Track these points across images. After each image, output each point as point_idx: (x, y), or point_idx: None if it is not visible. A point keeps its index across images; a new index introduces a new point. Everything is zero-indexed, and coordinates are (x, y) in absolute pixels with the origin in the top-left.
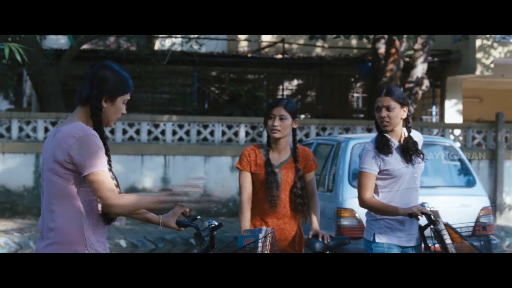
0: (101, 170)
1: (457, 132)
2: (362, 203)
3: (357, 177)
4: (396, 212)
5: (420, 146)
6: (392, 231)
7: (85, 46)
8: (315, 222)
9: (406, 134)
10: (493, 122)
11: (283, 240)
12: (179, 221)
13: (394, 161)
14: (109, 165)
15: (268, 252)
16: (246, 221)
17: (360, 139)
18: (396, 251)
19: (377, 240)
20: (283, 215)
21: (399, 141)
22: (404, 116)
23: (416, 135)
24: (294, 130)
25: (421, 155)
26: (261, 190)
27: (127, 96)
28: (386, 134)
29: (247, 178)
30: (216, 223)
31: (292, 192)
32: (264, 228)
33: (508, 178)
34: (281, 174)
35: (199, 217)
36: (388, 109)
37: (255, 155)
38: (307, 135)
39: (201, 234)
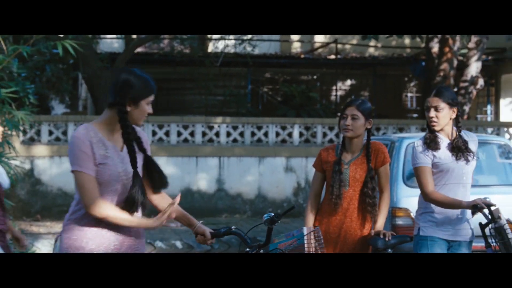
0: (78, 171)
1: None
2: (426, 197)
3: (415, 174)
4: (460, 205)
5: (474, 146)
6: (436, 225)
7: (139, 49)
8: (381, 220)
9: (456, 134)
10: None
11: (343, 236)
12: (215, 231)
13: (442, 155)
14: (135, 167)
15: (313, 251)
16: (308, 220)
17: (414, 139)
18: (441, 244)
19: (421, 233)
20: (348, 212)
21: (450, 139)
22: (453, 116)
23: (469, 135)
24: (368, 130)
25: (471, 154)
26: (327, 188)
27: (150, 98)
28: (435, 133)
29: (316, 177)
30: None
31: (362, 192)
32: (304, 228)
33: None
34: (349, 171)
35: (233, 227)
36: (437, 109)
37: (327, 154)
38: None
39: (245, 239)
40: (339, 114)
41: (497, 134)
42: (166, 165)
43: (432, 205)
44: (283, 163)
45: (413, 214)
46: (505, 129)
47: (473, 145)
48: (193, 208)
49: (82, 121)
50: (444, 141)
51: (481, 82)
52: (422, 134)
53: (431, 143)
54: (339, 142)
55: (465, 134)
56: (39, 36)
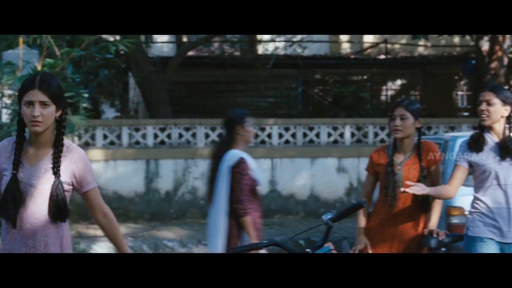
0: (97, 187)
1: None
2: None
3: None
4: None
5: None
6: (484, 225)
7: (190, 53)
8: (433, 219)
9: (507, 133)
10: None
11: (398, 234)
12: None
13: (485, 157)
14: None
15: None
16: (360, 222)
17: (467, 137)
18: (490, 245)
19: (470, 233)
20: (403, 212)
21: (498, 139)
22: (506, 114)
23: None
24: (418, 130)
25: None
26: (381, 189)
27: (25, 97)
28: (484, 133)
29: (368, 180)
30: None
31: None
32: (328, 247)
33: None
34: (402, 172)
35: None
36: (489, 103)
37: (379, 156)
38: None
39: (285, 246)
40: (389, 114)
41: None
42: None
43: (482, 205)
44: (335, 164)
45: (467, 213)
46: None
47: None
48: None
49: (136, 124)
50: (491, 140)
51: None
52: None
53: (473, 143)
54: (390, 143)
55: None
56: (91, 40)
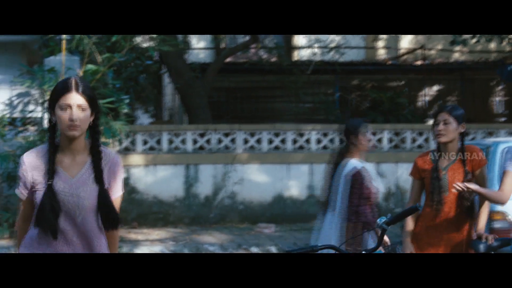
0: (16, 192)
1: None
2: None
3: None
4: None
5: None
6: None
7: (229, 59)
8: (481, 224)
9: None
10: None
11: (445, 238)
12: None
13: None
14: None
15: None
16: (408, 226)
17: (509, 143)
18: None
19: None
20: (449, 216)
21: None
22: None
23: None
24: (462, 134)
25: None
26: (427, 194)
27: (62, 101)
28: None
29: (415, 185)
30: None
31: (460, 195)
32: (379, 251)
33: None
34: (448, 176)
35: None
36: None
37: (423, 162)
38: None
39: (340, 250)
40: (427, 119)
41: None
42: (258, 172)
43: None
44: (373, 169)
45: (510, 218)
46: None
47: None
48: (285, 214)
49: (175, 130)
50: None
51: None
52: None
53: None
54: (434, 149)
55: None
56: (131, 45)
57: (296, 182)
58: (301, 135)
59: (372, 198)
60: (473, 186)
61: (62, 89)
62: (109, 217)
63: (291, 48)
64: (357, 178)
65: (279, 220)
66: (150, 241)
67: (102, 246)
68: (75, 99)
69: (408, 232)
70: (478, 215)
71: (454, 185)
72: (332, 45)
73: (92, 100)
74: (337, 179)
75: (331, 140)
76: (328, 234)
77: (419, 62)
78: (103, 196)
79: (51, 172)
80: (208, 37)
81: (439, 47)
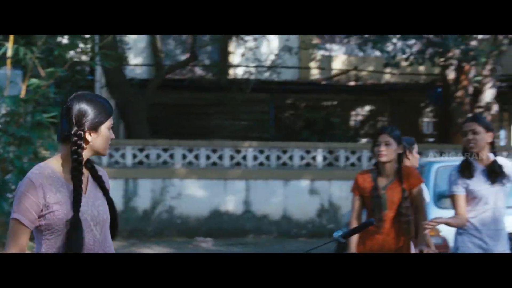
0: (13, 218)
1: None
2: (462, 222)
3: (451, 201)
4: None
5: (509, 171)
6: (473, 245)
7: (168, 76)
8: (421, 239)
9: (492, 158)
10: None
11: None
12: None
13: (477, 183)
14: (77, 210)
15: None
16: (352, 242)
17: (442, 163)
18: None
19: (461, 252)
20: (389, 232)
21: (484, 164)
22: (490, 140)
23: (503, 161)
24: (399, 155)
25: (507, 178)
26: (369, 212)
27: (110, 121)
28: (470, 159)
29: (356, 201)
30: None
31: (398, 211)
32: None
33: None
34: (387, 195)
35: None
36: (474, 132)
37: (363, 180)
38: None
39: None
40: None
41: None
42: (196, 187)
43: (471, 226)
44: (307, 186)
45: (442, 234)
46: None
47: (508, 170)
48: (222, 229)
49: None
50: (478, 167)
51: (495, 107)
52: (448, 159)
53: (465, 171)
54: (373, 168)
55: (499, 159)
56: (73, 60)
57: (233, 197)
58: (238, 151)
59: (425, 207)
60: (441, 220)
61: (110, 109)
62: (116, 228)
63: (227, 66)
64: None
65: (215, 234)
66: None
67: None
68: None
69: (353, 248)
70: (417, 231)
71: (426, 225)
72: (267, 64)
73: None
74: None
75: (267, 157)
76: None
77: (351, 83)
78: (114, 209)
79: (78, 199)
80: (145, 53)
81: (371, 68)
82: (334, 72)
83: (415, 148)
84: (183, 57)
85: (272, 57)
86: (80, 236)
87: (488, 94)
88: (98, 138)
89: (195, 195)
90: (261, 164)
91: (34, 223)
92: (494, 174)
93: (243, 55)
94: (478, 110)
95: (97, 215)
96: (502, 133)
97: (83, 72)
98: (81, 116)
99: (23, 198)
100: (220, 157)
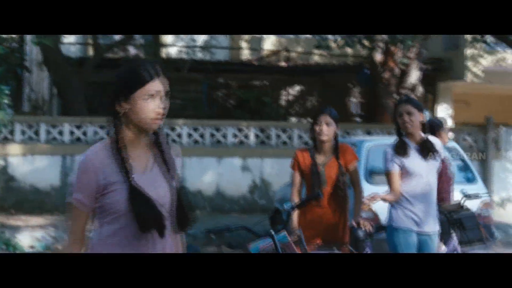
0: (70, 201)
1: (449, 134)
2: (395, 196)
3: (386, 178)
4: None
5: (440, 148)
6: (406, 217)
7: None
8: (357, 212)
9: (423, 136)
10: (481, 125)
11: (324, 226)
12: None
13: (411, 160)
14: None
15: (296, 251)
16: (294, 216)
17: (373, 141)
18: (411, 234)
19: (393, 224)
20: (328, 205)
21: (417, 143)
22: (421, 120)
23: (433, 139)
24: (336, 134)
25: (437, 154)
26: (308, 187)
27: (146, 89)
28: (404, 138)
29: (295, 177)
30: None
31: (335, 186)
32: (283, 233)
33: (497, 177)
34: (325, 171)
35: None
36: (409, 113)
37: (303, 157)
38: None
39: (253, 231)
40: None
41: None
42: None
43: (404, 200)
44: (240, 163)
45: (374, 209)
46: None
47: (438, 148)
48: None
49: (53, 121)
50: (412, 145)
51: (420, 89)
52: (378, 138)
53: (399, 149)
54: (311, 146)
55: (430, 138)
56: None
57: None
58: (173, 129)
59: (451, 184)
60: (379, 196)
61: (146, 75)
62: (184, 215)
63: (160, 45)
64: (444, 167)
65: None
66: (30, 227)
67: (171, 248)
68: (160, 87)
69: (295, 221)
70: (354, 205)
71: (366, 201)
72: (200, 44)
73: (168, 87)
74: None
75: (202, 135)
76: None
77: (282, 64)
78: (180, 191)
79: (127, 168)
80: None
81: (301, 49)
82: (265, 52)
83: (445, 128)
84: (117, 37)
85: (204, 37)
86: (145, 203)
87: (414, 76)
88: (132, 110)
89: (193, 210)
90: (195, 141)
91: (92, 205)
92: (427, 151)
93: (176, 35)
94: (403, 92)
95: (156, 197)
96: (427, 114)
97: (21, 50)
98: (115, 86)
99: (79, 180)
100: None
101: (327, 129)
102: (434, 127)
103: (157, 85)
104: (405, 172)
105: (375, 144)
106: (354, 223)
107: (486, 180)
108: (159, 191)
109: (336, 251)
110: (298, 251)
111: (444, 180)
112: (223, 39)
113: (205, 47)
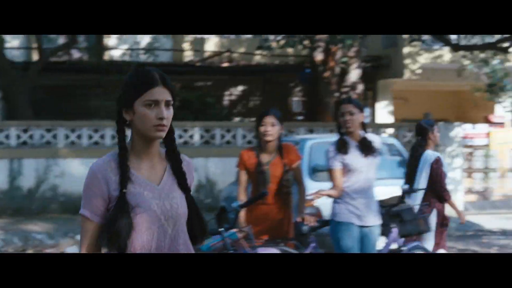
0: (81, 213)
1: (389, 130)
2: (338, 192)
3: (329, 174)
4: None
5: (378, 145)
6: (348, 212)
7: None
8: (301, 208)
9: (363, 134)
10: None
11: (270, 222)
12: None
13: (352, 158)
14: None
15: (245, 247)
16: (242, 214)
17: (315, 139)
18: (354, 228)
19: (336, 219)
20: (273, 203)
21: (357, 141)
22: (362, 120)
23: (372, 136)
24: (280, 134)
25: (377, 151)
26: (254, 186)
27: (147, 96)
28: (345, 136)
29: (241, 176)
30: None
31: (280, 184)
32: (232, 231)
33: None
34: (270, 170)
35: None
36: (351, 113)
37: (248, 156)
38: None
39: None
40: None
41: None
42: (79, 166)
43: (346, 195)
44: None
45: (317, 205)
46: (382, 129)
47: (377, 145)
48: None
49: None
50: (353, 143)
51: (360, 87)
52: (320, 136)
53: (341, 147)
54: (255, 146)
55: (370, 136)
56: None
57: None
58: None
59: (445, 179)
60: (324, 192)
61: (147, 82)
62: (200, 228)
63: (103, 48)
64: (438, 165)
65: None
66: None
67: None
68: (163, 93)
69: (242, 217)
70: (299, 202)
71: (310, 197)
72: (143, 46)
73: (174, 95)
74: (420, 168)
75: None
76: None
77: (225, 64)
78: (193, 205)
79: (125, 179)
80: (21, 36)
81: (243, 50)
82: (207, 54)
83: (436, 128)
84: (61, 40)
85: (148, 39)
86: (126, 220)
87: (354, 74)
88: (135, 117)
89: (78, 174)
90: None
91: (100, 218)
92: (366, 148)
93: (120, 37)
94: (344, 90)
95: (169, 208)
96: (367, 111)
97: None
98: (120, 94)
99: (87, 192)
100: (102, 137)
101: (272, 130)
102: (425, 128)
103: (159, 92)
104: (346, 169)
105: (317, 142)
106: (298, 219)
107: None
108: (174, 203)
109: (283, 247)
110: (247, 247)
111: (440, 180)
112: (166, 41)
113: (148, 50)
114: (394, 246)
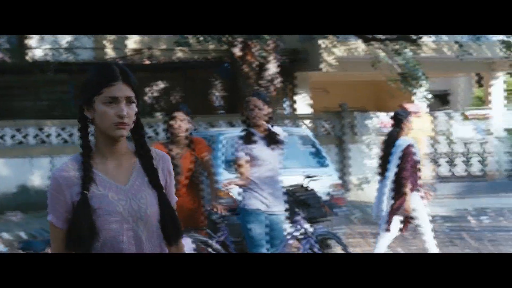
0: (48, 220)
1: (308, 121)
2: (245, 182)
3: (234, 164)
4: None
5: (283, 137)
6: (256, 200)
7: None
8: (213, 197)
9: (269, 128)
10: (338, 112)
11: (184, 212)
12: None
13: (258, 149)
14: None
15: None
16: None
17: (231, 133)
18: (262, 215)
19: (245, 207)
20: (185, 194)
21: (263, 133)
22: (269, 114)
23: (277, 129)
24: (189, 129)
25: (281, 142)
26: None
27: (106, 93)
28: (251, 129)
29: None
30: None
31: (191, 176)
32: None
33: (353, 160)
34: (181, 163)
35: None
36: (257, 107)
37: (160, 150)
38: None
39: None
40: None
41: (294, 126)
42: (3, 166)
43: (254, 185)
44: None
45: (233, 195)
46: (301, 121)
47: (282, 136)
48: (30, 203)
49: None
50: (258, 135)
51: (279, 80)
52: (237, 129)
53: (246, 139)
54: (168, 140)
55: (275, 128)
56: None
57: (39, 173)
58: (42, 130)
59: (418, 166)
60: (231, 181)
61: (105, 78)
62: (173, 228)
63: (24, 49)
64: (409, 152)
65: (24, 209)
66: None
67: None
68: (123, 90)
69: None
70: (210, 192)
71: (222, 187)
72: (64, 46)
73: (137, 91)
74: (392, 154)
75: (70, 134)
76: (380, 196)
77: (145, 61)
78: (165, 203)
79: (87, 180)
80: None
81: (163, 47)
82: (128, 51)
83: (409, 119)
84: None
85: (68, 39)
86: (87, 223)
87: (272, 68)
88: (96, 115)
89: (2, 173)
90: (64, 141)
91: (66, 225)
92: (272, 140)
93: (41, 38)
94: (263, 83)
95: (137, 209)
96: (286, 103)
97: None
98: (81, 89)
99: (51, 199)
100: (25, 136)
101: (181, 125)
102: (399, 118)
103: (118, 89)
104: (252, 160)
105: (233, 135)
106: (209, 208)
107: (344, 163)
108: (142, 203)
109: (195, 235)
110: None
111: (410, 165)
112: (86, 40)
113: (69, 49)
114: (300, 231)
